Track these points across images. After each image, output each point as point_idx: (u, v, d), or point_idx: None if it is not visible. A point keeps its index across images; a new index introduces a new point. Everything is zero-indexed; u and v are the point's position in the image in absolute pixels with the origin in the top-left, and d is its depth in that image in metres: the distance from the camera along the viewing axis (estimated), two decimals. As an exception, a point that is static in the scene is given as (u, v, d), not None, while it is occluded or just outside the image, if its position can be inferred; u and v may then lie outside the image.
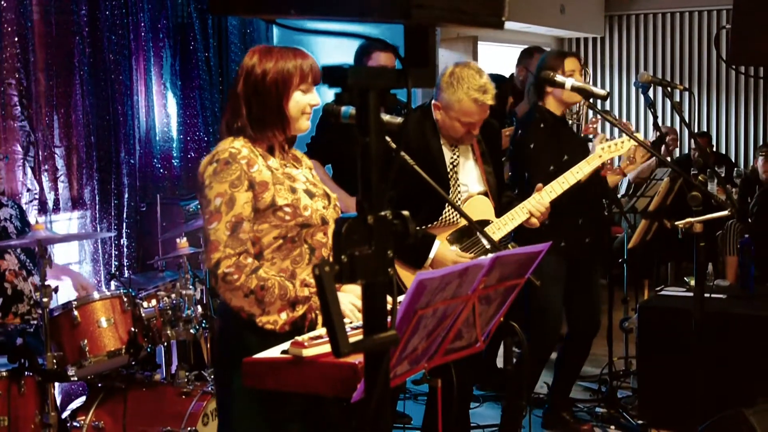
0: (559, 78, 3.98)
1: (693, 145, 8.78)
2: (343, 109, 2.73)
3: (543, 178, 3.98)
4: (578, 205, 4.26)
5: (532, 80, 4.56)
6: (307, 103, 2.66)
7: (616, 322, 5.35)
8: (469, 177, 3.82)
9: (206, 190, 2.54)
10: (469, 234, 3.77)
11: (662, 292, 5.11)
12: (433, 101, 3.73)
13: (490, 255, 2.43)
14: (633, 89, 10.36)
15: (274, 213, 2.56)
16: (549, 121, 4.39)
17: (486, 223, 3.78)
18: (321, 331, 2.45)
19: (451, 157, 3.77)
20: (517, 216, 3.79)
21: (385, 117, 2.60)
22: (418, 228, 3.69)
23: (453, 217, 3.74)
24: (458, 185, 3.78)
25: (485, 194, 3.84)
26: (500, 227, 3.78)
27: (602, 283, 5.16)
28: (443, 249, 3.67)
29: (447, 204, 3.68)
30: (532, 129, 4.36)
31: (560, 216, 4.05)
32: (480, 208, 3.81)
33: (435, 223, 3.74)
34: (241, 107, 2.63)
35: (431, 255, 3.64)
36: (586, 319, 4.62)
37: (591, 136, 4.65)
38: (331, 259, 1.59)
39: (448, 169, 3.75)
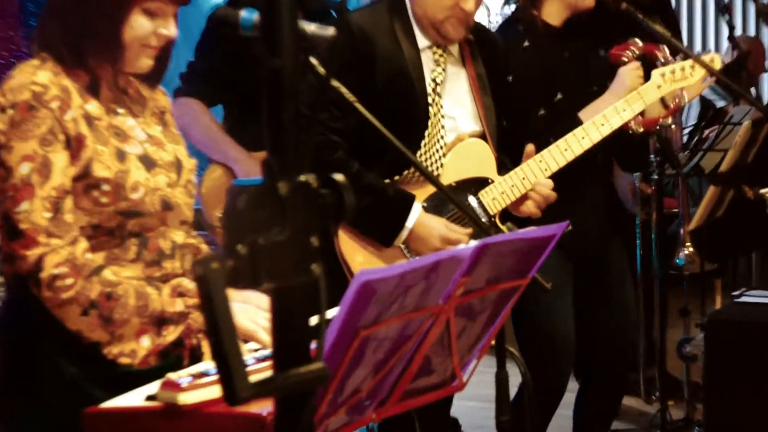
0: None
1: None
2: (243, 14, 2.72)
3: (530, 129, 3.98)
4: (581, 175, 4.25)
5: None
6: (151, 32, 2.62)
7: (671, 347, 5.40)
8: (458, 106, 3.86)
9: (2, 152, 2.52)
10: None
11: (742, 299, 5.17)
12: None
13: (473, 242, 2.45)
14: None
15: (85, 190, 2.55)
16: (539, 36, 4.35)
17: (484, 183, 3.81)
18: (208, 364, 2.45)
19: (434, 70, 3.81)
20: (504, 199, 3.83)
21: (309, 27, 2.60)
22: (387, 182, 3.71)
23: (431, 167, 3.74)
24: (441, 117, 3.80)
25: (482, 137, 3.86)
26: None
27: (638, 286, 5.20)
28: (427, 217, 3.69)
29: (422, 144, 3.70)
30: (512, 52, 4.27)
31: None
32: (475, 157, 3.83)
33: (404, 174, 3.75)
34: (58, 16, 2.61)
35: (408, 224, 3.66)
36: (610, 342, 4.66)
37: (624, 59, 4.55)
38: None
39: (429, 89, 3.78)
